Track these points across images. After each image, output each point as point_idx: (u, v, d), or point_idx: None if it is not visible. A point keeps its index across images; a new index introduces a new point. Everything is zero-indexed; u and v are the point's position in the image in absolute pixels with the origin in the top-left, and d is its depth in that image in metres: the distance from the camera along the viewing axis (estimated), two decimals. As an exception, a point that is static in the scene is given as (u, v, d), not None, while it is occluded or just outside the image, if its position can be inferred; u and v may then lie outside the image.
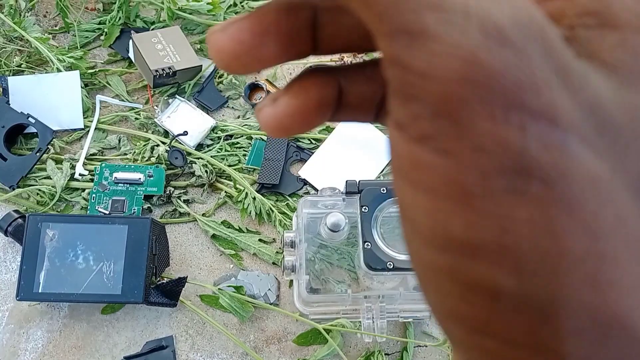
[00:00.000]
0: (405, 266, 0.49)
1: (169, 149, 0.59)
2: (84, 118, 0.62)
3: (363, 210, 0.50)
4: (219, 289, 0.54)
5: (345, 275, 0.55)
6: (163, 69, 0.60)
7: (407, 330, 0.54)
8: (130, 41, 0.63)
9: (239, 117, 0.64)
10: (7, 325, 0.54)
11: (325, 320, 0.54)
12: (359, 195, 0.51)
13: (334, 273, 0.54)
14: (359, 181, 0.53)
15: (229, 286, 0.54)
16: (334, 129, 0.63)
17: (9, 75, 0.63)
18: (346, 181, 0.53)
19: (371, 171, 0.62)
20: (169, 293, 0.53)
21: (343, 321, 0.51)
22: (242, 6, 0.69)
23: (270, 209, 0.58)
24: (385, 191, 0.50)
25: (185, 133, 0.59)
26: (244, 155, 0.62)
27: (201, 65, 0.63)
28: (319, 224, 0.54)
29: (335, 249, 0.54)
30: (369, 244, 0.49)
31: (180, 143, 0.60)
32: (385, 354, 0.54)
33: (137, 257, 0.52)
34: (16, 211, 0.56)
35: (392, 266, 0.48)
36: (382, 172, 0.62)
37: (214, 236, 0.58)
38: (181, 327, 0.55)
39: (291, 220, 0.59)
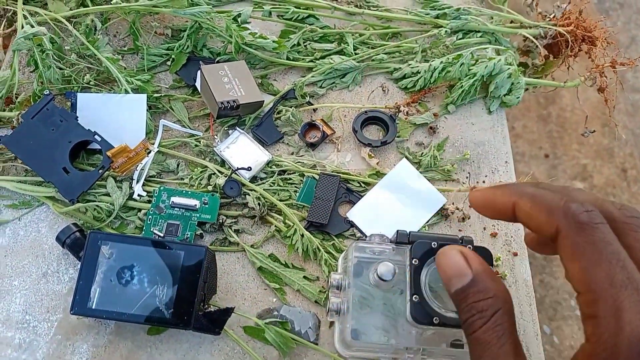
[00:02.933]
0: (450, 322, 0.50)
1: (227, 178, 0.61)
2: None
3: (413, 262, 0.52)
4: (265, 323, 0.55)
5: (384, 321, 0.56)
6: (228, 102, 0.62)
7: (444, 385, 0.55)
8: (199, 71, 0.65)
9: (292, 153, 0.66)
10: (55, 336, 0.56)
11: (363, 365, 0.55)
12: (410, 247, 0.52)
13: (373, 318, 0.55)
14: (410, 232, 0.54)
15: (274, 321, 0.56)
16: (384, 174, 0.65)
17: (78, 92, 0.66)
18: (397, 231, 0.54)
19: (416, 221, 0.63)
20: (215, 321, 0.54)
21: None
22: (305, 46, 0.72)
23: (318, 247, 0.60)
24: (435, 245, 0.52)
25: (249, 169, 0.61)
26: (295, 191, 0.63)
27: (263, 101, 0.65)
28: (364, 267, 0.55)
29: (375, 294, 0.55)
30: (417, 297, 0.50)
31: (236, 174, 0.62)
32: (418, 404, 0.55)
33: (190, 284, 0.53)
34: (74, 224, 0.58)
35: (438, 321, 0.49)
36: (427, 222, 0.63)
37: (260, 268, 0.60)
38: (222, 356, 0.56)
39: (336, 260, 0.60)
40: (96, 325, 0.56)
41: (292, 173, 0.64)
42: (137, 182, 0.61)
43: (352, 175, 0.65)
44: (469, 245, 0.52)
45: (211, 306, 0.57)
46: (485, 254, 0.52)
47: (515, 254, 0.63)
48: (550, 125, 1.73)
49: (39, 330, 0.56)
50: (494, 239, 0.64)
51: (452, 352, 0.53)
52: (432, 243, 0.52)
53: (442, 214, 0.64)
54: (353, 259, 0.55)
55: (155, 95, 0.66)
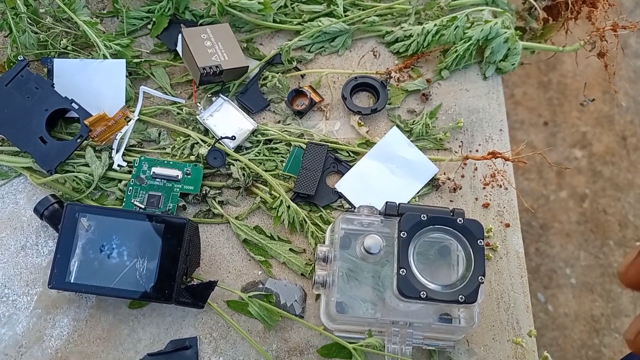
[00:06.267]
0: (437, 297, 0.49)
1: (210, 148, 0.59)
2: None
3: (401, 235, 0.50)
4: (249, 296, 0.54)
5: (371, 294, 0.54)
6: (210, 67, 0.59)
7: (432, 358, 0.54)
8: (180, 35, 0.62)
9: (279, 121, 0.64)
10: (35, 310, 0.54)
11: (348, 338, 0.54)
12: (399, 219, 0.51)
13: (361, 290, 0.54)
14: (399, 204, 0.52)
15: (259, 294, 0.55)
16: (374, 143, 0.63)
17: (55, 57, 0.63)
18: (386, 203, 0.52)
19: (406, 192, 0.61)
20: (198, 295, 0.53)
21: (373, 340, 0.51)
22: (292, 8, 0.68)
23: (304, 219, 0.58)
24: (425, 218, 0.50)
25: (233, 138, 0.59)
26: (282, 161, 0.61)
27: (248, 66, 0.62)
28: (352, 239, 0.53)
29: (363, 267, 0.54)
30: (404, 270, 0.49)
31: (220, 143, 0.60)
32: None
33: (171, 257, 0.52)
34: (53, 196, 0.56)
35: (425, 295, 0.48)
36: (417, 193, 0.61)
37: (245, 241, 0.58)
38: (206, 329, 0.55)
39: (323, 232, 0.58)
40: (77, 298, 0.55)
41: (279, 142, 0.62)
42: (117, 151, 0.59)
43: (341, 144, 0.63)
44: (460, 218, 0.50)
45: (194, 279, 0.55)
46: (476, 226, 0.50)
47: (508, 225, 0.61)
48: (550, 93, 1.70)
49: (18, 304, 0.54)
50: (486, 209, 0.62)
51: (439, 326, 0.52)
52: (422, 215, 0.51)
53: (433, 184, 0.62)
54: (340, 231, 0.53)
55: (135, 60, 0.63)
